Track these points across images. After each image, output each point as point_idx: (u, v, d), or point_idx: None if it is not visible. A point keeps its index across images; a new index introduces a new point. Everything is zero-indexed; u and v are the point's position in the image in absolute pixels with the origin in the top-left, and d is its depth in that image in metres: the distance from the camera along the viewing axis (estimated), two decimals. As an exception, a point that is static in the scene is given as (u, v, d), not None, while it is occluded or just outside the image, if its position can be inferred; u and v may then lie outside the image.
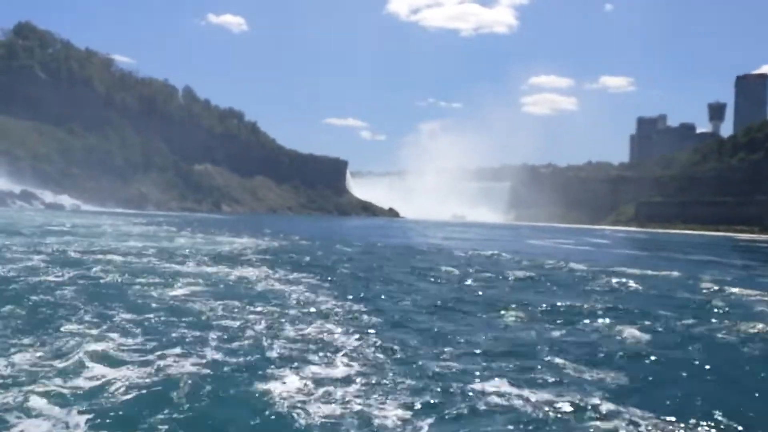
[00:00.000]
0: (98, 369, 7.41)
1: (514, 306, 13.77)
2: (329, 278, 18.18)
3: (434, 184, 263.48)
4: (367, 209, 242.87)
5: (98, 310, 11.10)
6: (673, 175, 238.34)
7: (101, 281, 15.32)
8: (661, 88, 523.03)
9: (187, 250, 26.66)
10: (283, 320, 11.11)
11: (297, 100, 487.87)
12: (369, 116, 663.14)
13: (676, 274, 23.80)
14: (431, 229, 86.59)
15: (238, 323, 10.63)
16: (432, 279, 19.61)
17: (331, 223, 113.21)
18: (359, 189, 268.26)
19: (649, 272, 23.88)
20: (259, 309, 12.13)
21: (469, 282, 18.82)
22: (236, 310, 11.94)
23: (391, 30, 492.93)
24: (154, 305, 12.07)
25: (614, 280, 20.17)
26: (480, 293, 16.46)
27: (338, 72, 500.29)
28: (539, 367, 8.50)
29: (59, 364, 7.55)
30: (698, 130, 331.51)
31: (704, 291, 18.73)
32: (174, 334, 9.49)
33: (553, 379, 7.91)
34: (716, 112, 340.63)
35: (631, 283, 19.55)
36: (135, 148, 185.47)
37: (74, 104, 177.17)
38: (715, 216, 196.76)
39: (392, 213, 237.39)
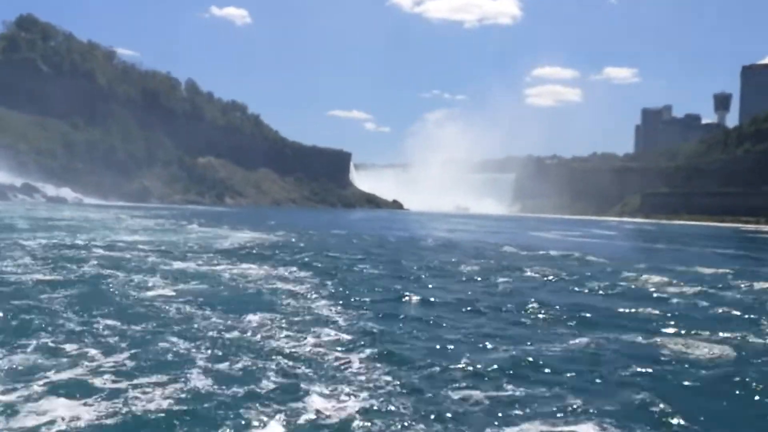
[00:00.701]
0: (58, 404, 6.30)
1: (541, 313, 12.82)
2: (331, 278, 17.38)
3: (438, 176, 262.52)
4: (371, 201, 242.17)
5: (79, 319, 10.27)
6: (678, 166, 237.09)
7: (86, 282, 14.48)
8: (665, 79, 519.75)
9: (188, 245, 26.05)
10: (284, 334, 9.98)
11: (301, 93, 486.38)
12: (373, 108, 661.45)
13: (721, 271, 22.74)
14: (436, 222, 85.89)
15: (232, 337, 9.59)
16: (449, 280, 18.56)
17: (335, 216, 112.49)
18: (363, 181, 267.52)
19: (680, 268, 23.01)
20: (257, 318, 11.11)
21: (488, 282, 17.80)
22: (232, 319, 10.90)
23: (395, 22, 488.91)
24: (141, 311, 11.27)
25: (644, 278, 19.24)
26: (502, 295, 15.59)
27: (342, 64, 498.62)
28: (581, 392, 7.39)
29: (13, 396, 6.43)
30: (703, 121, 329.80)
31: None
32: (157, 353, 8.44)
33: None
34: (722, 102, 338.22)
35: (666, 282, 18.46)
36: (138, 142, 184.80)
37: (77, 97, 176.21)
38: (720, 207, 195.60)
39: (396, 205, 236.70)
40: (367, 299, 13.80)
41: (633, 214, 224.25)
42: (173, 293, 13.30)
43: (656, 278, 18.99)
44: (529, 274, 20.01)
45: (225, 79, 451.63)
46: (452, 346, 9.74)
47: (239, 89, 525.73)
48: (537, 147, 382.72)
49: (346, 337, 10.01)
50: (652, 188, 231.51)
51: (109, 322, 10.10)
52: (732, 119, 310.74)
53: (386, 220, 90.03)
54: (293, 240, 33.73)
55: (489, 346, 9.81)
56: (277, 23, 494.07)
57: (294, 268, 18.67)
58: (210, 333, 9.82)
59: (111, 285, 14.13)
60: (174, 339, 9.29)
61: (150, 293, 13.16)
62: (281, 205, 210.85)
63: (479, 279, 18.43)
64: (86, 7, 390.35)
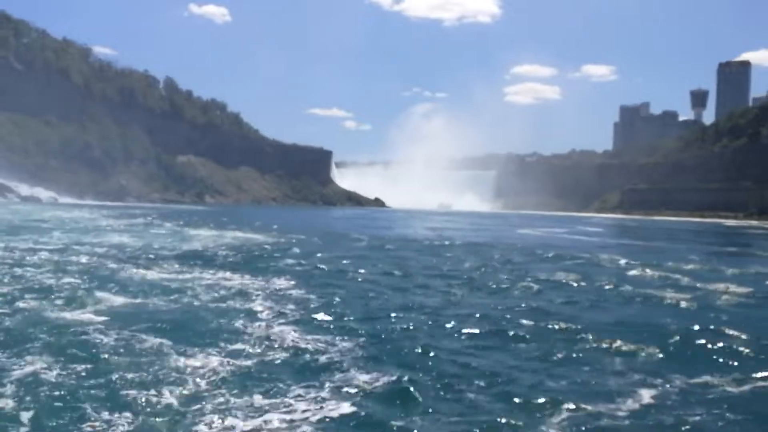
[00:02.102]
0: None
1: (557, 325, 11.51)
2: (315, 293, 15.80)
3: (420, 173, 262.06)
4: (353, 199, 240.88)
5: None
6: (657, 162, 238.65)
7: (21, 298, 12.17)
8: (643, 76, 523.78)
9: (158, 248, 24.62)
10: (250, 378, 7.74)
11: (281, 91, 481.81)
12: (353, 106, 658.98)
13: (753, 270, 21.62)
14: (420, 220, 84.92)
15: (191, 381, 7.45)
16: (445, 284, 17.15)
17: (315, 214, 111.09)
18: (345, 179, 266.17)
19: (692, 266, 22.03)
20: (220, 350, 8.84)
21: (486, 287, 16.50)
22: (192, 352, 8.59)
23: (374, 20, 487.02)
24: (81, 339, 9.16)
25: (649, 272, 18.31)
26: (504, 305, 13.87)
27: (321, 62, 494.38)
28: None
29: None
30: (681, 118, 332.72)
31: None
32: (89, 402, 6.67)
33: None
34: (698, 99, 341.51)
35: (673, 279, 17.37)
36: (115, 140, 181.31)
37: (51, 95, 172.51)
38: (699, 202, 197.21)
39: (378, 203, 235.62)
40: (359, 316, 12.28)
41: (613, 210, 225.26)
42: (122, 312, 11.37)
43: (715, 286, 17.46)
44: (554, 279, 18.69)
45: (204, 78, 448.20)
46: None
47: (219, 87, 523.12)
48: (517, 144, 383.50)
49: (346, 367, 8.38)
50: (632, 185, 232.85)
51: (32, 360, 8.12)
52: (709, 116, 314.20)
53: (370, 218, 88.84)
54: (274, 241, 32.42)
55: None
56: (256, 21, 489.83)
57: (274, 278, 16.76)
58: (162, 373, 7.77)
59: (41, 304, 11.74)
60: (104, 389, 7.21)
61: (86, 315, 10.86)
62: (262, 203, 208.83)
63: (496, 286, 17.08)
64: (62, 5, 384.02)
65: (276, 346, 9.01)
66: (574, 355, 9.38)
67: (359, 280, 17.46)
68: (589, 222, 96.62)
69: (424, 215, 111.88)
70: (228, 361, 8.27)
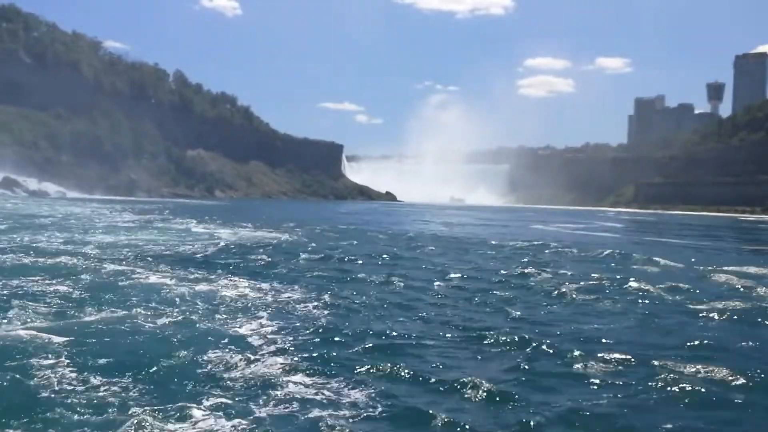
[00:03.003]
0: None
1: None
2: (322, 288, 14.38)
3: (432, 167, 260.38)
4: (364, 193, 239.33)
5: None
6: (672, 155, 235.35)
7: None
8: (658, 69, 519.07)
9: (166, 247, 22.93)
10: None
11: (292, 85, 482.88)
12: (365, 100, 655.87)
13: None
14: (433, 214, 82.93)
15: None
16: (478, 290, 14.93)
17: (324, 208, 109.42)
18: (356, 173, 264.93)
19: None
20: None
21: (531, 303, 13.55)
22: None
23: (386, 12, 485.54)
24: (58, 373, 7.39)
25: (729, 279, 16.17)
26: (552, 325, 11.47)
27: (333, 56, 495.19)
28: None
29: None
30: (697, 111, 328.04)
31: None
32: None
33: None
34: (715, 92, 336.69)
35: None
36: (125, 134, 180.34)
37: (61, 89, 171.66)
38: (715, 196, 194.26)
39: (389, 197, 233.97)
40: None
41: (628, 204, 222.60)
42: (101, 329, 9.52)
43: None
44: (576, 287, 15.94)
45: (215, 72, 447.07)
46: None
47: (229, 81, 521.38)
48: (530, 137, 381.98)
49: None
50: (646, 178, 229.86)
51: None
52: (725, 109, 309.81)
53: (383, 213, 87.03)
54: (287, 238, 30.60)
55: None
56: (267, 15, 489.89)
57: (291, 285, 14.95)
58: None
59: (22, 315, 10.10)
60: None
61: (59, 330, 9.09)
62: (272, 197, 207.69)
63: (537, 299, 14.42)
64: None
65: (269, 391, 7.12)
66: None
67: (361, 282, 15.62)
68: (606, 217, 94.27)
69: (437, 210, 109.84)
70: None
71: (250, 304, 11.98)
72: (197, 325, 9.94)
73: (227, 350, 8.59)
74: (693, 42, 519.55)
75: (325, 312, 11.58)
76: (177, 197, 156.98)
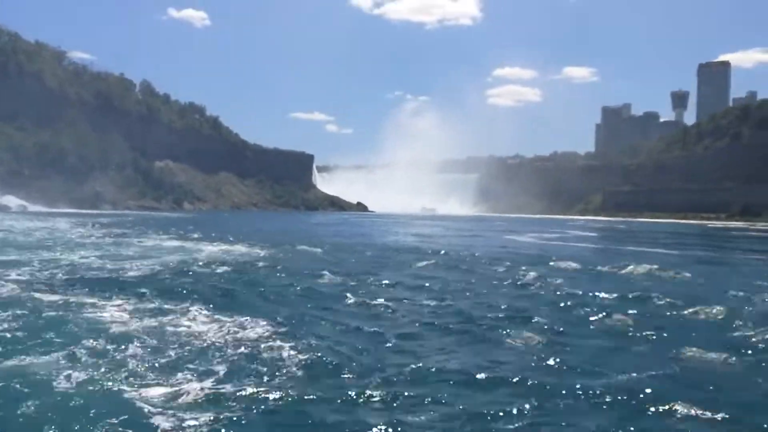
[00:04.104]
0: None
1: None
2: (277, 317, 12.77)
3: (403, 177, 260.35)
4: (335, 204, 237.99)
5: None
6: (639, 163, 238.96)
7: None
8: (624, 78, 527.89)
9: (111, 267, 21.46)
10: None
11: (261, 95, 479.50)
12: (335, 110, 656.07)
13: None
14: (405, 225, 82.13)
15: None
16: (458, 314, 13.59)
17: (294, 219, 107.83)
18: (327, 184, 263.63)
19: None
20: None
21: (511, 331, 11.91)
22: None
23: (355, 23, 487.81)
24: None
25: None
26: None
27: (303, 66, 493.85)
28: None
29: None
30: (662, 119, 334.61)
31: None
32: None
33: None
34: (679, 100, 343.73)
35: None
36: (90, 145, 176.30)
37: (24, 100, 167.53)
38: (682, 203, 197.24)
39: (360, 207, 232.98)
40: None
41: (596, 212, 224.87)
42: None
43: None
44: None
45: (184, 82, 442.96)
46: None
47: (198, 92, 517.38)
48: (500, 147, 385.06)
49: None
50: (614, 186, 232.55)
51: None
52: (690, 116, 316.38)
53: (354, 224, 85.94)
54: (255, 254, 29.41)
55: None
56: (237, 25, 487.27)
57: (256, 317, 12.50)
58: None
59: None
60: None
61: None
62: (242, 208, 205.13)
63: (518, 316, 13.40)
64: (39, 11, 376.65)
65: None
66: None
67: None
68: (577, 225, 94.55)
69: (408, 220, 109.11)
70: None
71: (206, 345, 10.13)
72: (123, 382, 8.05)
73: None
74: (657, 51, 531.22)
75: (300, 356, 9.60)
76: (144, 210, 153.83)
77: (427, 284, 18.08)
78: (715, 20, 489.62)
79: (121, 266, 21.58)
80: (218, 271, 20.80)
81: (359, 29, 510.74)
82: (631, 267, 23.11)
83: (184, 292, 15.62)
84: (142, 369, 8.61)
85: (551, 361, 9.49)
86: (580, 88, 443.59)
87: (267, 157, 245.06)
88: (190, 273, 19.98)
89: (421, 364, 9.21)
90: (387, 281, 18.65)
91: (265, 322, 11.74)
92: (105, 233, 42.68)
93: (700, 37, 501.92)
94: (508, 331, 11.74)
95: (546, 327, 12.07)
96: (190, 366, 8.80)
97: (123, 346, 9.68)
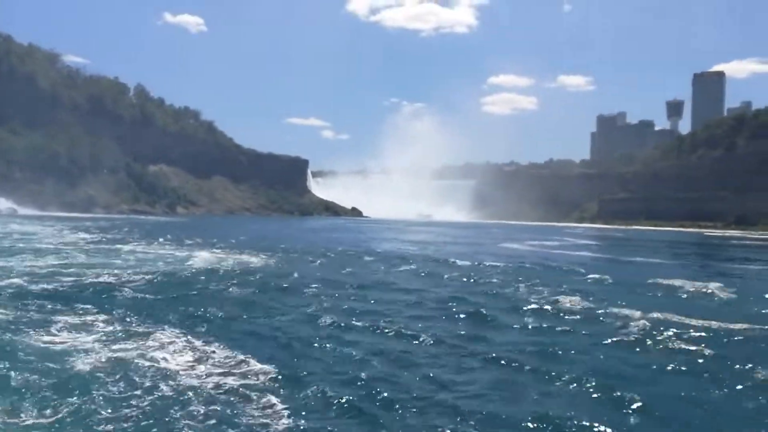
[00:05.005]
0: None
1: None
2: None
3: (398, 183, 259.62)
4: (330, 209, 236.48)
5: None
6: (635, 171, 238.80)
7: None
8: (619, 87, 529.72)
9: (92, 282, 20.07)
10: None
11: (257, 100, 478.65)
12: (331, 116, 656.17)
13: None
14: (401, 231, 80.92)
15: None
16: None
17: (288, 225, 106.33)
18: (322, 189, 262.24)
19: None
20: None
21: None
22: None
23: (352, 30, 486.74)
24: None
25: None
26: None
27: (299, 72, 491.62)
28: None
29: None
30: (657, 127, 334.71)
31: None
32: None
33: None
34: (674, 109, 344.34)
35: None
36: (83, 149, 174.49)
37: (16, 102, 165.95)
38: (678, 212, 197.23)
39: (355, 212, 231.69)
40: None
41: (592, 219, 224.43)
42: None
43: None
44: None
45: (179, 87, 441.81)
46: None
47: (194, 97, 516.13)
48: (496, 154, 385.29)
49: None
50: (610, 194, 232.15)
51: None
52: (684, 125, 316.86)
53: (349, 230, 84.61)
54: (244, 263, 28.16)
55: None
56: (233, 31, 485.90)
57: (247, 347, 10.89)
58: None
59: None
60: None
61: None
62: (235, 213, 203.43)
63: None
64: (34, 14, 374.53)
65: None
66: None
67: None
68: (575, 233, 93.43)
69: (405, 226, 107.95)
70: None
71: (180, 389, 8.33)
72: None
73: None
74: (652, 60, 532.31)
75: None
76: (137, 214, 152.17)
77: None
78: (711, 30, 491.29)
79: (89, 276, 19.91)
80: (200, 285, 19.06)
81: (355, 36, 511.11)
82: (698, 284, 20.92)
83: (158, 310, 13.88)
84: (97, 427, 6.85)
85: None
86: (576, 96, 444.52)
87: (261, 162, 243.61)
88: (169, 286, 18.35)
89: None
90: (380, 306, 16.56)
91: (255, 360, 9.79)
92: (89, 239, 41.24)
93: (695, 46, 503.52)
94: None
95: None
96: (159, 423, 7.03)
97: (74, 389, 7.92)
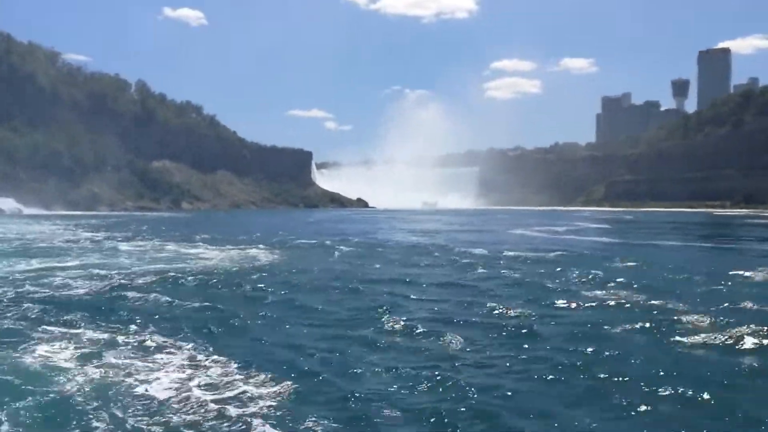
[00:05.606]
0: None
1: None
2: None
3: (403, 172, 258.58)
4: (335, 200, 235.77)
5: None
6: (641, 153, 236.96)
7: None
8: (623, 68, 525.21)
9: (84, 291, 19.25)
10: None
11: (259, 93, 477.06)
12: (333, 107, 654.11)
13: None
14: (408, 221, 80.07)
15: None
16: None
17: (292, 218, 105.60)
18: (327, 180, 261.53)
19: None
20: None
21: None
22: None
23: (351, 19, 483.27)
24: None
25: None
26: None
27: (300, 63, 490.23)
28: None
29: None
30: (663, 107, 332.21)
31: None
32: None
33: None
34: (680, 88, 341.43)
35: None
36: (85, 146, 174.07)
37: (16, 100, 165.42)
38: (684, 192, 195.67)
39: (361, 203, 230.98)
40: None
41: (599, 203, 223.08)
42: None
43: None
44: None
45: (180, 82, 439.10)
46: None
47: (195, 91, 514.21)
48: (500, 140, 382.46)
49: None
50: (616, 176, 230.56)
51: None
52: (691, 104, 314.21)
53: (355, 221, 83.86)
54: (253, 258, 27.38)
55: None
56: (233, 24, 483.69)
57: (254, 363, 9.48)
58: None
59: None
60: None
61: None
62: (241, 207, 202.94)
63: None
64: (33, 12, 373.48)
65: None
66: None
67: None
68: (583, 217, 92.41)
69: (411, 215, 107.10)
70: None
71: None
72: None
73: None
74: (656, 40, 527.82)
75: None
76: (142, 210, 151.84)
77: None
78: (715, 7, 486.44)
79: (81, 280, 18.65)
80: (203, 287, 17.88)
81: (355, 25, 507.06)
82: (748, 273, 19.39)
83: (158, 318, 12.62)
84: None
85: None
86: (580, 78, 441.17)
87: (265, 155, 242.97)
88: (169, 288, 17.19)
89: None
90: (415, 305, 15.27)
91: (271, 378, 8.59)
92: (94, 236, 40.55)
93: (700, 24, 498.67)
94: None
95: None
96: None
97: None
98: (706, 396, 7.72)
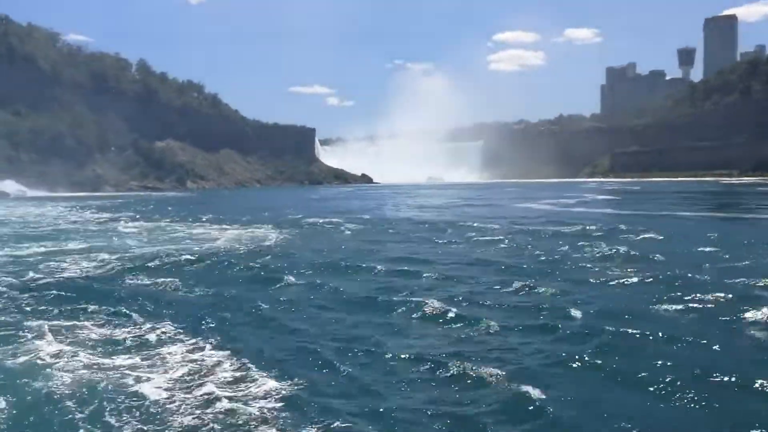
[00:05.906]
0: None
1: None
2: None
3: (407, 147, 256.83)
4: (339, 177, 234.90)
5: None
6: (647, 123, 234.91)
7: None
8: (627, 37, 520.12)
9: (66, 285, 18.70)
10: None
11: (260, 70, 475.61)
12: (335, 82, 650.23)
13: None
14: (414, 196, 79.41)
15: None
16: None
17: (295, 195, 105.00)
18: (331, 157, 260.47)
19: None
20: None
21: None
22: None
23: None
24: None
25: None
26: None
27: (301, 39, 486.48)
28: None
29: None
30: (668, 77, 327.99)
31: None
32: None
33: None
34: (686, 56, 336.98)
35: None
36: (88, 127, 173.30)
37: (18, 83, 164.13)
38: (692, 162, 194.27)
39: (365, 179, 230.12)
40: None
41: (605, 174, 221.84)
42: None
43: None
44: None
45: (181, 60, 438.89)
46: None
47: (196, 70, 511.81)
48: (504, 113, 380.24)
49: None
50: (622, 147, 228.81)
51: None
52: (697, 73, 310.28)
53: (359, 197, 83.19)
54: (253, 240, 26.82)
55: None
56: (232, 1, 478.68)
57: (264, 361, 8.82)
58: None
59: None
60: None
61: None
62: (245, 185, 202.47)
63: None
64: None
65: None
66: None
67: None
68: (590, 189, 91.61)
69: (417, 190, 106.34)
70: None
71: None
72: None
73: None
74: (661, 8, 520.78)
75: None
76: (147, 190, 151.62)
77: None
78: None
79: (85, 262, 18.39)
80: (211, 270, 17.34)
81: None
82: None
83: (161, 304, 12.07)
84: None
85: None
86: (584, 49, 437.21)
87: (268, 133, 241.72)
88: (176, 272, 16.66)
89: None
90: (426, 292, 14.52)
91: (284, 370, 8.09)
92: (97, 218, 40.06)
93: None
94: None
95: None
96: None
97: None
98: (765, 382, 7.13)
